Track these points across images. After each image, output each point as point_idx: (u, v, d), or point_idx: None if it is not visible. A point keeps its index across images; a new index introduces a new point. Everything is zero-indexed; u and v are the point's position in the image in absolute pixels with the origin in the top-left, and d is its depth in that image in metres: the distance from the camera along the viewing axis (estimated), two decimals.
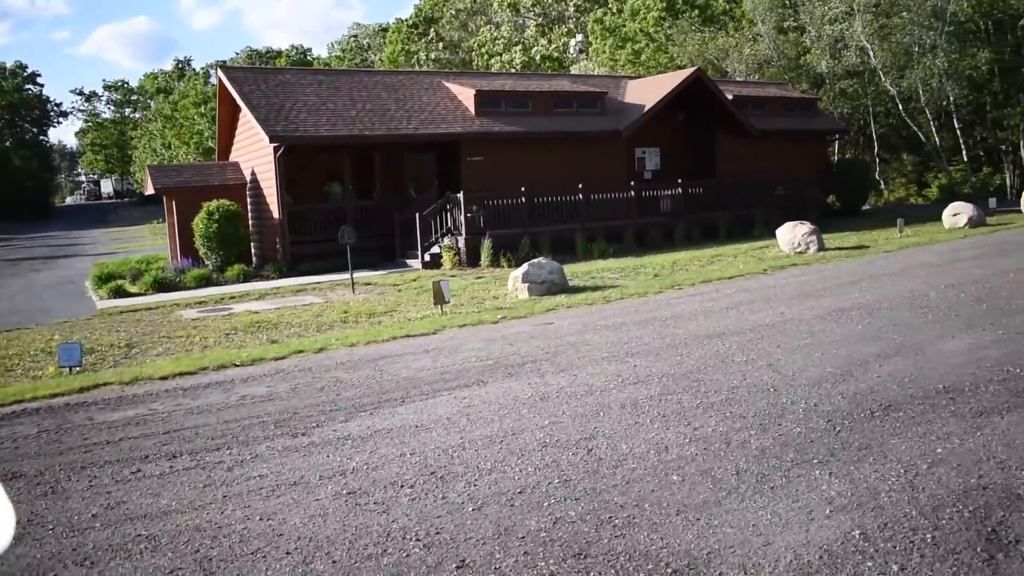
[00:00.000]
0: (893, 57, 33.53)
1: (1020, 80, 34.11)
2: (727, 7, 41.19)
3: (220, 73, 24.73)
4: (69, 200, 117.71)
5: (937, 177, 37.45)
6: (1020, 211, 26.59)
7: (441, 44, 68.31)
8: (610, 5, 45.12)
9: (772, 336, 9.55)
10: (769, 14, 36.28)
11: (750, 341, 9.34)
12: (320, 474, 5.93)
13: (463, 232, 20.89)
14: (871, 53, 33.56)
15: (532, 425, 6.67)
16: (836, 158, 36.86)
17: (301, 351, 10.98)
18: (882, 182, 39.18)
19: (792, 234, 18.76)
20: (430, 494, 5.35)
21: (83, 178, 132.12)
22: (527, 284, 14.57)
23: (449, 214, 21.48)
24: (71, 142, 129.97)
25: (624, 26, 42.50)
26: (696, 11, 40.71)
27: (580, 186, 22.30)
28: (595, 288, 15.12)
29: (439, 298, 13.53)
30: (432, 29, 68.39)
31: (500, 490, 5.31)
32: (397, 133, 22.75)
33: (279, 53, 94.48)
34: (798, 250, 18.62)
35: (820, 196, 29.91)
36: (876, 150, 38.31)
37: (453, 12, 66.97)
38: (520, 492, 5.25)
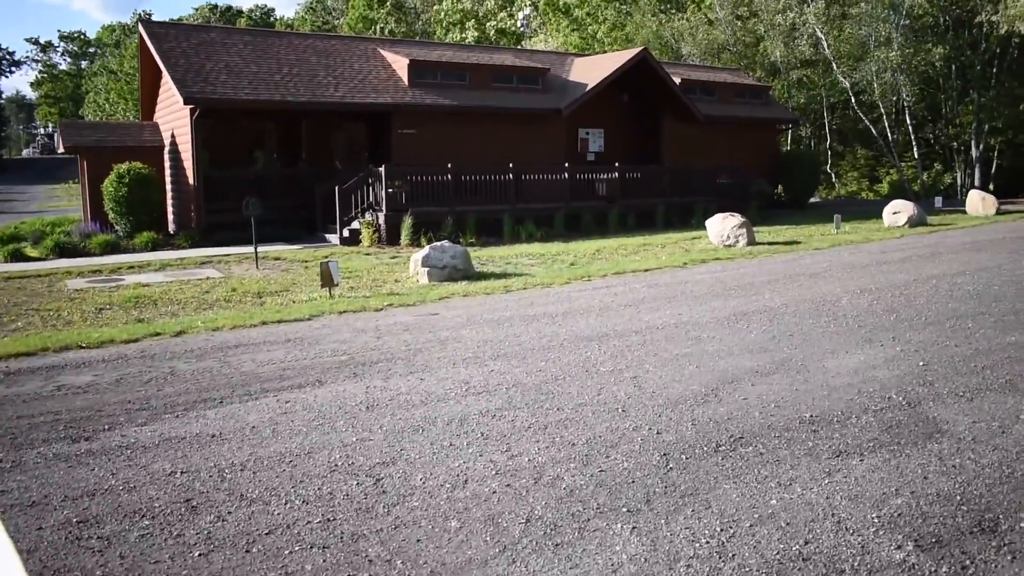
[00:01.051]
0: (847, 48, 32.85)
1: (975, 78, 33.59)
2: None
3: (141, 28, 23.38)
4: (25, 153, 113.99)
5: (889, 173, 36.96)
6: (965, 211, 26.11)
7: (400, 13, 66.83)
8: None
9: (656, 342, 8.72)
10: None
11: (629, 347, 8.50)
12: (66, 494, 5.01)
13: (383, 208, 19.89)
14: (825, 44, 32.84)
15: (337, 441, 5.78)
16: (789, 148, 36.19)
17: (159, 334, 9.99)
18: (834, 175, 38.63)
19: (722, 227, 17.99)
20: (166, 531, 4.44)
21: (40, 131, 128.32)
22: (427, 269, 13.64)
23: (371, 188, 20.45)
24: (31, 93, 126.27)
25: (577, 5, 41.42)
26: None
27: (511, 165, 21.34)
28: (502, 275, 14.22)
29: (327, 280, 12.56)
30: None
31: (247, 529, 4.41)
32: (323, 100, 21.63)
33: (240, 12, 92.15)
34: (727, 243, 17.86)
35: (767, 187, 29.26)
36: (829, 142, 37.72)
37: None
38: (268, 533, 4.35)
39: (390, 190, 19.90)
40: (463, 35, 53.90)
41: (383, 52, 24.72)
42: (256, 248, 16.78)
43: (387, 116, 22.69)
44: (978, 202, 25.65)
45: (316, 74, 22.54)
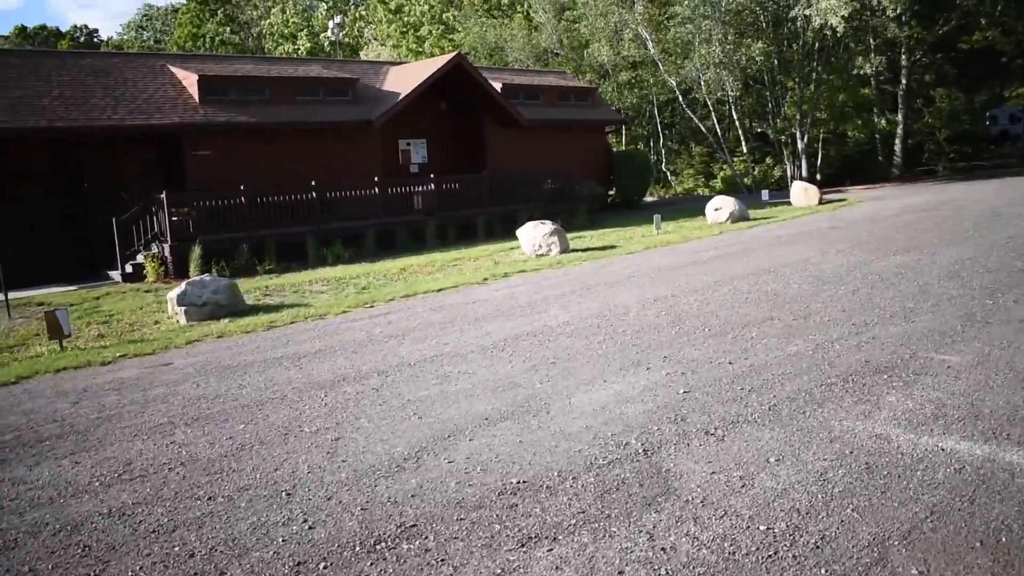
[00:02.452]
0: (672, 47, 32.70)
1: (796, 72, 34.01)
2: None
3: None
4: None
5: (723, 169, 37.11)
6: (790, 203, 26.07)
7: (234, 25, 64.12)
8: None
9: (394, 384, 7.40)
10: (548, 3, 34.80)
11: (359, 395, 7.16)
12: None
13: (168, 239, 17.96)
14: (650, 44, 32.59)
15: None
16: (622, 149, 35.82)
17: None
18: (669, 173, 38.58)
19: (533, 235, 16.94)
20: None
21: None
22: (184, 308, 11.96)
23: (155, 217, 18.48)
24: None
25: (405, 7, 40.10)
26: None
27: (313, 183, 19.76)
28: (277, 308, 12.65)
29: (55, 332, 10.73)
30: (221, 10, 63.93)
31: None
32: (98, 124, 19.49)
33: (62, 34, 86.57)
34: (539, 252, 16.81)
35: (597, 189, 28.60)
36: (662, 141, 37.61)
37: None
38: None
39: (175, 218, 17.99)
40: (295, 48, 51.81)
41: (172, 69, 22.70)
42: (6, 295, 14.64)
43: (178, 138, 20.74)
44: (801, 193, 25.63)
45: (92, 96, 20.36)
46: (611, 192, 30.68)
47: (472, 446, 5.52)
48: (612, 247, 17.62)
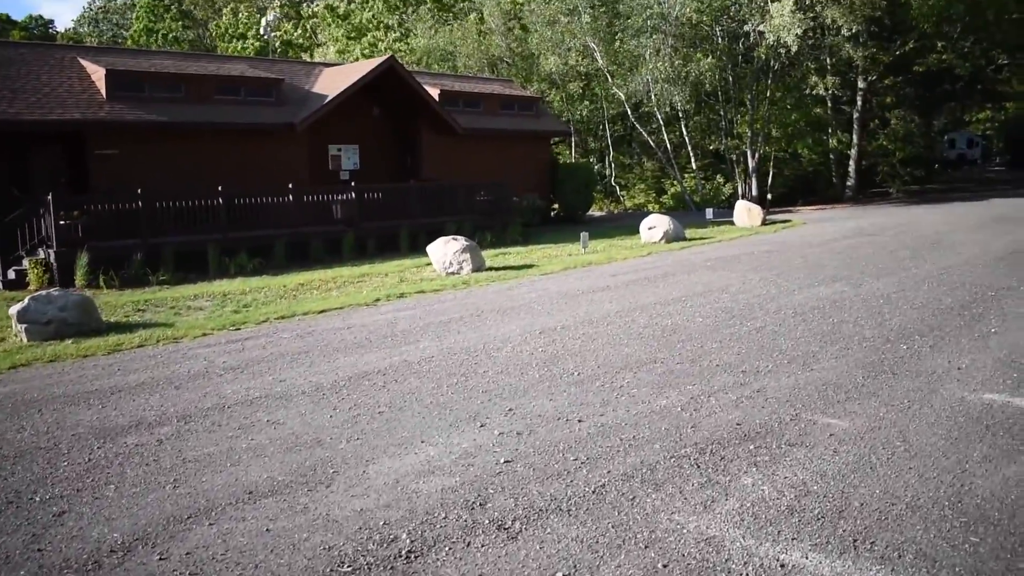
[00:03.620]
0: (622, 59, 31.77)
1: (748, 88, 33.21)
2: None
3: None
4: None
5: (674, 184, 36.22)
6: (732, 222, 25.17)
7: (188, 20, 62.58)
8: None
9: (183, 437, 6.21)
10: (496, 9, 33.76)
11: (133, 449, 5.97)
12: None
13: (54, 244, 16.58)
14: (598, 55, 31.64)
15: None
16: (568, 162, 34.81)
17: None
18: (618, 188, 37.63)
19: (444, 252, 15.79)
20: None
21: None
22: (25, 326, 10.65)
23: (42, 220, 17.11)
24: None
25: (354, 12, 38.88)
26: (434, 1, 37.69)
27: (220, 188, 18.47)
28: (135, 328, 11.35)
29: None
30: (175, 6, 62.31)
31: None
32: None
33: (13, 22, 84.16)
34: (450, 270, 15.67)
35: (538, 202, 27.54)
36: (611, 155, 36.66)
37: None
38: None
39: (62, 222, 16.63)
40: (243, 47, 50.40)
41: (83, 62, 21.30)
42: None
43: (83, 136, 19.38)
44: (744, 213, 24.71)
45: None
46: (555, 206, 29.63)
47: (206, 534, 4.35)
48: (530, 266, 16.52)
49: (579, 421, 6.12)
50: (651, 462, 5.23)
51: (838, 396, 6.62)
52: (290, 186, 19.75)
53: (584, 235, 18.82)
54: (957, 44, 36.89)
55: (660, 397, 6.73)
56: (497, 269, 16.17)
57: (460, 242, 15.78)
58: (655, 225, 20.19)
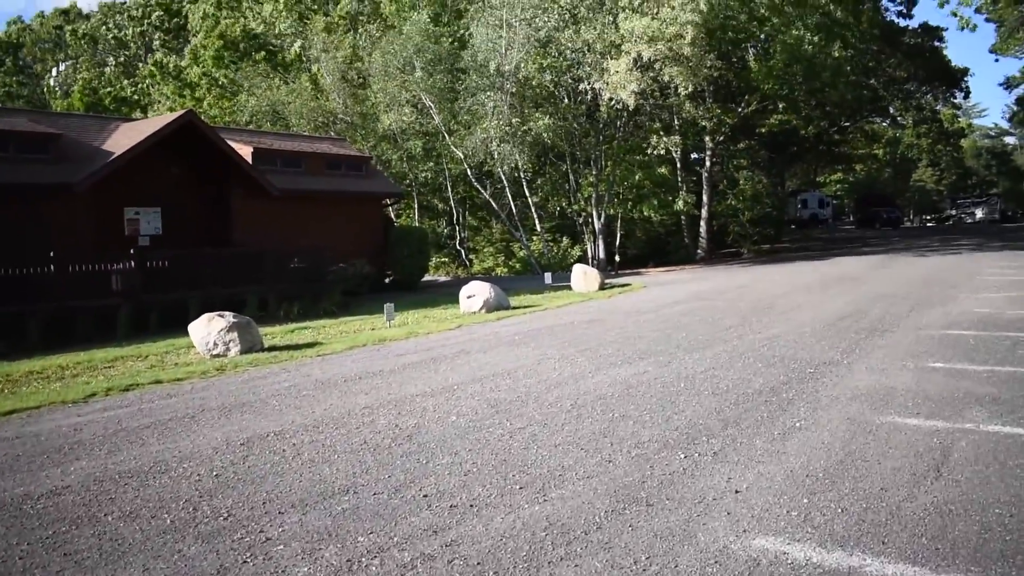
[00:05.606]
0: (462, 117, 30.28)
1: (591, 148, 32.19)
2: (300, 54, 36.43)
3: None
4: None
5: (522, 247, 34.73)
6: (570, 287, 23.61)
7: (23, 76, 58.51)
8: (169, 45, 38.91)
9: None
10: (332, 64, 31.90)
11: None
12: None
13: None
14: (434, 113, 30.06)
15: None
16: (402, 224, 32.91)
17: None
18: (463, 251, 35.90)
19: (207, 331, 13.42)
20: None
21: None
22: None
23: None
24: None
25: (186, 69, 36.36)
26: (263, 54, 35.51)
27: None
28: None
29: None
30: (9, 59, 58.22)
31: None
32: None
33: None
34: (215, 352, 13.31)
35: (366, 268, 25.37)
36: (456, 217, 34.99)
37: (32, 41, 57.43)
38: None
39: None
40: (68, 103, 46.97)
41: None
42: None
43: None
44: (581, 278, 23.21)
45: None
46: (390, 271, 27.59)
47: None
48: (315, 344, 14.33)
49: None
50: None
51: (556, 551, 4.69)
52: (51, 254, 17.05)
53: (389, 307, 16.75)
54: (798, 106, 37.11)
55: (310, 559, 4.64)
56: (276, 349, 13.91)
57: (226, 319, 13.46)
58: (475, 294, 18.36)
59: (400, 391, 9.62)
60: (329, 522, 5.29)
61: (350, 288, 24.36)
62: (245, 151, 23.93)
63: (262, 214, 23.76)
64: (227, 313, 13.68)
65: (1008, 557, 4.47)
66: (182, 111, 22.17)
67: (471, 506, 5.47)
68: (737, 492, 5.60)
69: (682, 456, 6.46)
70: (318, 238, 23.73)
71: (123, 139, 22.22)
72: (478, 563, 4.56)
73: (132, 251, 18.57)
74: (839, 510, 5.22)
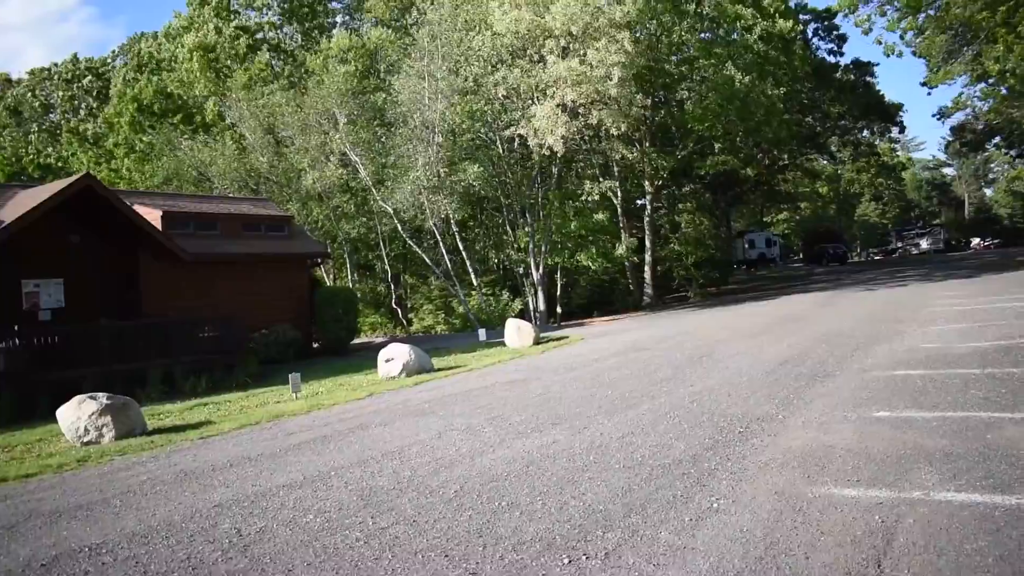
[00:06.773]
0: (389, 171, 29.19)
1: (528, 196, 31.23)
2: (219, 113, 35.20)
3: None
4: None
5: (460, 303, 33.49)
6: (504, 343, 22.38)
7: None
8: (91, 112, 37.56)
9: None
10: (253, 122, 30.72)
11: None
12: None
13: None
14: (360, 167, 28.94)
15: None
16: (329, 285, 31.55)
17: None
18: (400, 310, 34.55)
19: (77, 415, 11.94)
20: None
21: None
22: None
23: None
24: None
25: (106, 137, 34.96)
26: (180, 117, 34.23)
27: None
28: None
29: None
30: None
31: None
32: None
33: None
34: (86, 439, 11.82)
35: (290, 334, 24.00)
36: (391, 274, 33.69)
37: None
38: None
39: None
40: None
41: None
42: None
43: None
44: (514, 333, 21.98)
45: None
46: (317, 336, 26.16)
47: None
48: (205, 424, 12.88)
49: None
50: None
51: None
52: None
53: (294, 377, 15.33)
54: (736, 147, 36.60)
55: None
56: (161, 431, 12.43)
57: (98, 401, 11.98)
58: (393, 357, 17.04)
59: (268, 482, 8.26)
60: None
61: (272, 356, 22.90)
62: (154, 215, 22.54)
63: (175, 281, 22.32)
64: (100, 395, 12.20)
65: None
66: (79, 175, 20.71)
67: None
68: None
69: (565, 561, 5.21)
70: (237, 303, 22.33)
71: (19, 207, 20.72)
72: None
73: (16, 327, 16.98)
74: None
